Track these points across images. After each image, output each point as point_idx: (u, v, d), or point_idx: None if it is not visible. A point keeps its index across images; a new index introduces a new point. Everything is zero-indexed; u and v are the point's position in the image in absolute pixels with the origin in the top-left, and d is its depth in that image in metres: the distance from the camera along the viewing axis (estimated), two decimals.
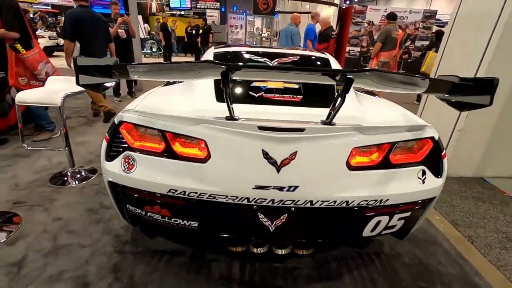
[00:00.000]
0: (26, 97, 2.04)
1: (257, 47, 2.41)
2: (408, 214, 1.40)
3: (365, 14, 9.20)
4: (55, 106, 2.07)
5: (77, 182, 2.44)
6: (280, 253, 1.48)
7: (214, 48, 2.35)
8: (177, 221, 1.37)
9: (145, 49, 11.34)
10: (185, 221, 1.36)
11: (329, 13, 10.62)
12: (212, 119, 1.21)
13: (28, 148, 2.47)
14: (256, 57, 2.03)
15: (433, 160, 1.38)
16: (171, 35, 10.82)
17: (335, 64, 2.18)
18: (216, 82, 1.66)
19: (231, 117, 1.21)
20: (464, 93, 1.20)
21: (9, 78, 2.90)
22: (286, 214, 1.31)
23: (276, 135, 1.18)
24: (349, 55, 9.62)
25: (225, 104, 1.33)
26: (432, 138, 1.36)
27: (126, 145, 1.34)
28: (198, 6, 14.57)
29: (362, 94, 1.93)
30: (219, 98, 1.53)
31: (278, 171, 1.22)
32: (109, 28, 4.46)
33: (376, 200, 1.29)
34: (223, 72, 1.03)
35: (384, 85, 1.12)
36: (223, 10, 12.21)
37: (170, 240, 1.81)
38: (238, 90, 1.62)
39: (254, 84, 1.65)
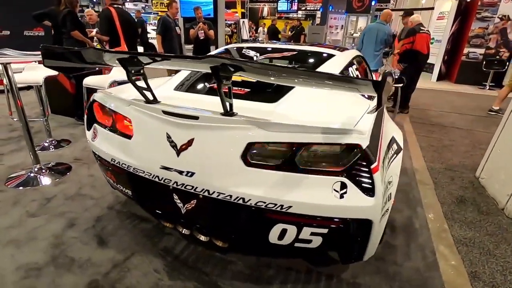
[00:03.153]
0: (87, 81, 2.73)
1: (264, 43, 2.44)
2: (324, 231, 1.21)
3: (498, 7, 7.29)
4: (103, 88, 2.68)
5: None
6: (201, 238, 1.52)
7: (233, 44, 2.53)
8: (120, 187, 1.62)
9: None
10: (124, 188, 1.59)
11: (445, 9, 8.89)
12: (134, 101, 1.38)
13: None
14: (253, 52, 2.09)
15: (359, 173, 1.13)
16: (279, 37, 11.42)
17: (339, 61, 1.98)
18: (190, 74, 1.83)
19: (148, 101, 1.35)
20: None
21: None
22: (195, 200, 1.35)
23: (176, 120, 1.25)
24: (467, 58, 7.88)
25: (178, 92, 1.48)
26: (359, 146, 1.12)
27: (95, 119, 1.67)
28: (303, 9, 14.75)
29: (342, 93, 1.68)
30: (178, 87, 1.69)
31: (178, 154, 1.28)
32: (192, 29, 5.22)
33: (275, 204, 1.18)
34: (119, 60, 1.19)
35: (254, 74, 1.03)
36: (321, 10, 11.94)
37: None
38: (200, 80, 1.74)
39: None
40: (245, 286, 1.52)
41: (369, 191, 1.14)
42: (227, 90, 1.55)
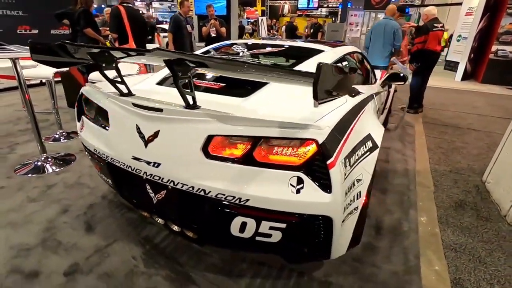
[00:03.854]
0: (93, 76, 2.87)
1: (255, 40, 2.45)
2: (282, 225, 1.20)
3: None
4: None
5: None
6: (174, 228, 1.56)
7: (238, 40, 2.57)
8: (103, 176, 1.70)
9: None
10: (106, 178, 1.67)
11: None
12: (110, 94, 1.44)
13: None
14: (242, 48, 2.11)
15: (316, 168, 1.12)
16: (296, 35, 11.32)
17: (326, 57, 1.95)
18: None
19: (122, 94, 1.40)
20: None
21: None
22: (165, 191, 1.39)
23: (143, 112, 1.29)
24: (495, 56, 7.39)
25: (159, 86, 1.53)
26: (315, 141, 1.11)
27: (83, 111, 1.75)
28: (324, 6, 14.47)
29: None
30: (160, 82, 1.74)
31: (146, 146, 1.33)
32: (204, 26, 5.31)
33: (234, 197, 1.19)
34: (89, 53, 1.25)
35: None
36: (340, 7, 11.64)
37: None
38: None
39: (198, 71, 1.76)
40: (215, 278, 1.54)
41: (326, 187, 1.12)
42: (213, 85, 1.60)
